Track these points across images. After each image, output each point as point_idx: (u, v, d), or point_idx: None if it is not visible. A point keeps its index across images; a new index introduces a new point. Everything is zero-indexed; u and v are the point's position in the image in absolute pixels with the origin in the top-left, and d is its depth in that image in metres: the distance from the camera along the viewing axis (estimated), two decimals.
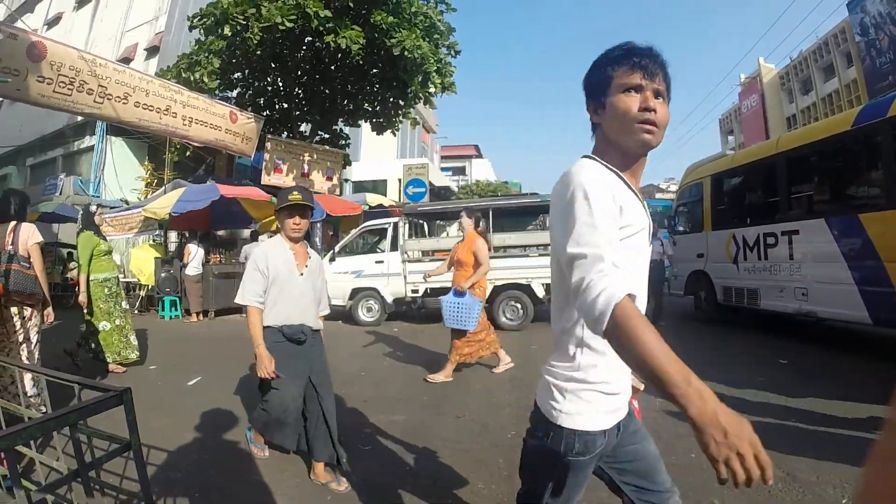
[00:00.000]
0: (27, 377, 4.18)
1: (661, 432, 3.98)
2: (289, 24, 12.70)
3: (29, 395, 4.20)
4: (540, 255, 9.45)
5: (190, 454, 3.92)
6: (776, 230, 7.80)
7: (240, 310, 11.94)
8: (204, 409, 5.00)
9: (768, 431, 3.96)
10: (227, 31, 13.22)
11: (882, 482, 0.58)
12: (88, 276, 6.32)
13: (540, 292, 9.21)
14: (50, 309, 4.82)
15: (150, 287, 12.77)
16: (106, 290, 6.53)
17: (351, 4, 13.46)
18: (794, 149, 7.70)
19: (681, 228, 10.87)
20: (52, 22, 28.07)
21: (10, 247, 4.41)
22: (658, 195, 43.72)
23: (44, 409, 4.09)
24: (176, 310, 12.08)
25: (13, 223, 4.55)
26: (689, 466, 3.38)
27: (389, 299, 10.40)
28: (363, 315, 10.45)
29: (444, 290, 10.00)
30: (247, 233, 14.73)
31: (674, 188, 46.18)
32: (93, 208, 6.84)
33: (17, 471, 1.53)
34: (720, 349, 7.36)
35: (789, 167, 7.81)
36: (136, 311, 12.71)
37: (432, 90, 16.24)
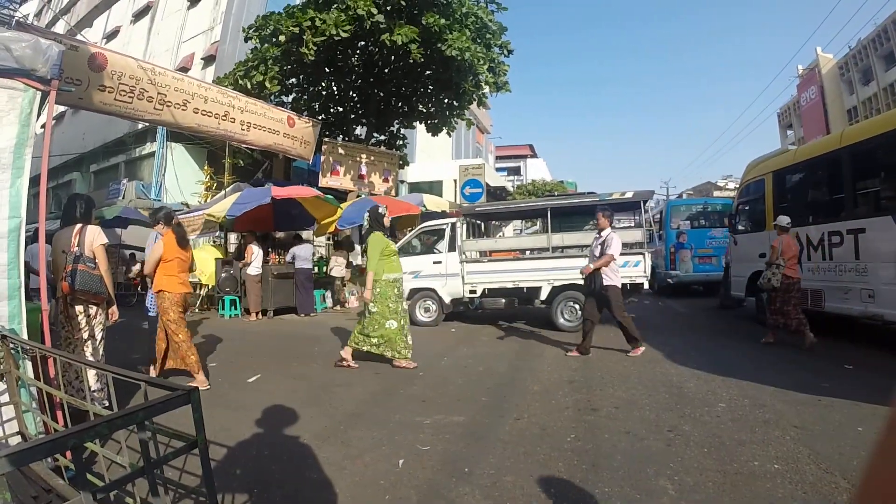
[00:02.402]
0: (91, 373, 4.34)
1: (724, 439, 3.90)
2: (344, 35, 12.89)
3: (93, 389, 4.34)
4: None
5: (249, 450, 3.98)
6: (841, 228, 7.45)
7: (295, 310, 12.17)
8: (263, 406, 5.09)
9: (832, 437, 3.88)
10: (282, 39, 13.50)
11: (883, 478, 0.58)
12: (374, 275, 6.58)
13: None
14: (115, 307, 5.02)
15: (210, 286, 13.07)
16: (396, 289, 6.75)
17: (403, 4, 13.55)
18: (858, 143, 7.34)
19: (741, 227, 10.56)
20: (111, 35, 29.20)
21: (76, 248, 4.59)
22: (716, 193, 42.63)
23: (106, 404, 4.25)
24: (235, 309, 12.36)
25: (79, 226, 4.72)
26: (752, 474, 3.30)
27: (447, 300, 10.37)
28: (421, 315, 10.44)
29: (502, 291, 10.09)
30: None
31: (732, 185, 45.02)
32: (381, 210, 6.99)
33: (84, 468, 1.59)
34: (783, 352, 7.10)
35: (854, 162, 7.47)
36: (196, 310, 13.07)
37: (486, 90, 16.24)
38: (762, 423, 4.20)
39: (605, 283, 7.23)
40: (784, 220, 7.70)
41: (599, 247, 7.35)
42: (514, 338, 8.83)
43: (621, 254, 9.24)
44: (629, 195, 9.45)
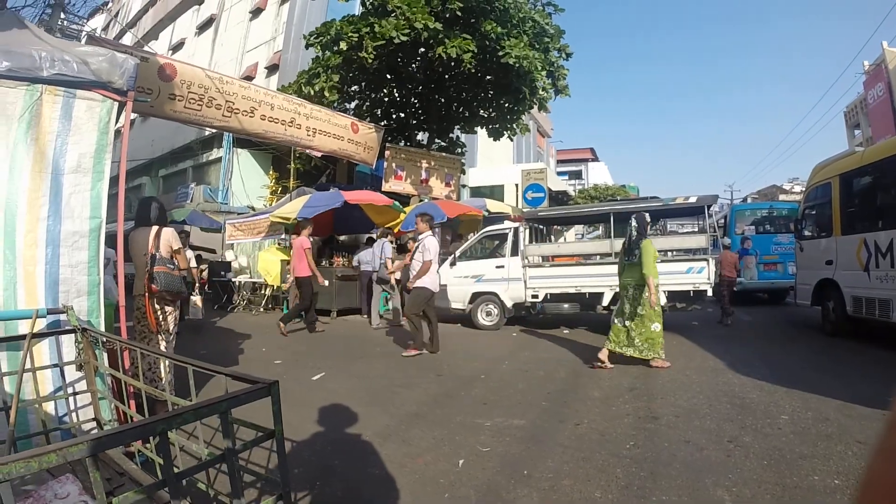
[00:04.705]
0: (163, 364, 4.58)
1: (785, 452, 3.78)
2: (403, 38, 13.06)
3: (164, 381, 4.56)
4: (662, 260, 9.14)
5: (312, 445, 4.10)
6: None
7: (359, 310, 12.34)
8: (327, 403, 5.22)
9: None
10: (343, 46, 13.76)
11: (884, 478, 0.57)
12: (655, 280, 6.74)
13: (662, 299, 8.82)
14: (198, 299, 5.27)
15: (275, 287, 13.36)
16: (661, 293, 6.96)
17: (459, 14, 13.65)
18: None
19: (807, 233, 10.14)
20: (176, 47, 30.53)
21: (155, 250, 4.78)
22: (782, 196, 40.93)
23: (173, 394, 4.47)
24: None
25: (155, 228, 4.91)
26: (811, 489, 3.20)
27: (509, 304, 10.31)
28: (482, 319, 10.43)
29: (564, 296, 10.01)
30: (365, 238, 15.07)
31: (798, 189, 43.22)
32: (648, 217, 7.21)
33: (168, 452, 1.67)
34: (848, 364, 6.80)
35: None
36: (262, 310, 13.41)
37: (546, 94, 16.17)
38: (825, 437, 4.04)
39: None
40: (727, 241, 12.04)
41: (419, 252, 7.80)
42: (575, 343, 8.65)
43: (684, 259, 9.08)
44: (693, 200, 9.23)
